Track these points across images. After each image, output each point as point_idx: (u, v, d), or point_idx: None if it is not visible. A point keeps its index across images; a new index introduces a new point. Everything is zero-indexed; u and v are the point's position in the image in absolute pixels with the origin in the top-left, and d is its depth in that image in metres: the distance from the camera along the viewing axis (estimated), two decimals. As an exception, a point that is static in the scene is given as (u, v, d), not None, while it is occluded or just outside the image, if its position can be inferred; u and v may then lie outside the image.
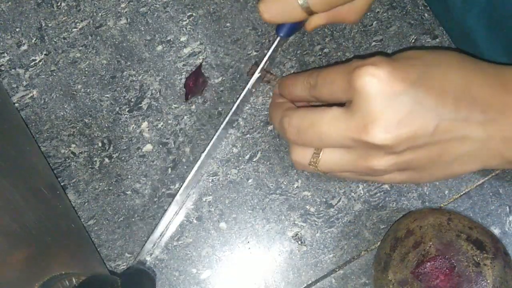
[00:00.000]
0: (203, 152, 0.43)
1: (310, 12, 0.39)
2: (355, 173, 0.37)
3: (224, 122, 0.43)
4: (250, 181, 0.46)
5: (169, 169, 0.46)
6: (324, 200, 0.46)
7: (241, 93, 0.43)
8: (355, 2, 0.40)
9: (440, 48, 0.41)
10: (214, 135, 0.43)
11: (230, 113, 0.43)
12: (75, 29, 0.47)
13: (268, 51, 0.42)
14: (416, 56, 0.35)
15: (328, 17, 0.41)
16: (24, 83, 0.46)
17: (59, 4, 0.47)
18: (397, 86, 0.32)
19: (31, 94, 0.46)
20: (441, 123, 0.33)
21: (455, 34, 0.45)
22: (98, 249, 0.45)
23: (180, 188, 0.43)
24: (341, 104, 0.35)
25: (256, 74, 0.43)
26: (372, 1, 0.41)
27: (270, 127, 0.46)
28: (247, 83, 0.43)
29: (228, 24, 0.47)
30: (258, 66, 0.44)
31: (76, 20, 0.47)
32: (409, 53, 0.35)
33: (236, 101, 0.43)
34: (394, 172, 0.36)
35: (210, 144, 0.43)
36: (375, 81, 0.32)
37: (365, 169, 0.35)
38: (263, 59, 0.43)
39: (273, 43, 0.42)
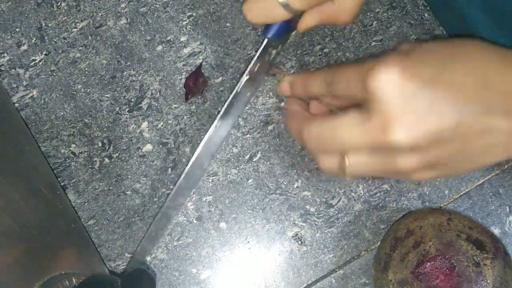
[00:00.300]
0: (194, 153, 0.43)
1: (292, 11, 0.38)
2: (385, 173, 0.37)
3: (214, 124, 0.42)
4: (250, 181, 0.46)
5: (169, 169, 0.46)
6: (324, 200, 0.46)
7: (231, 94, 0.42)
8: (345, 2, 0.39)
9: (457, 39, 0.41)
10: (204, 135, 0.43)
11: (219, 115, 0.42)
12: (75, 29, 0.47)
13: (256, 53, 0.42)
14: (431, 50, 0.34)
15: (319, 18, 0.41)
16: (24, 83, 0.46)
17: (59, 4, 0.47)
18: (411, 85, 0.31)
19: (31, 94, 0.46)
20: (463, 117, 0.32)
21: (456, 31, 0.45)
22: (98, 249, 0.45)
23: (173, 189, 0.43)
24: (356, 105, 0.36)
25: (245, 76, 0.42)
26: (363, 2, 0.41)
27: (270, 127, 0.46)
28: (240, 83, 0.43)
29: (228, 24, 0.47)
30: (255, 67, 0.44)
31: (76, 20, 0.47)
32: (424, 46, 0.34)
33: (226, 100, 0.42)
34: (423, 169, 0.35)
35: (201, 145, 0.42)
36: (389, 83, 0.31)
37: (393, 169, 0.35)
38: (251, 61, 0.42)
39: (261, 45, 0.42)
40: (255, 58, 0.42)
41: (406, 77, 0.32)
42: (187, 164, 0.42)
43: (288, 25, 0.41)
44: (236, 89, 0.42)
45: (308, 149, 0.38)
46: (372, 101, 0.32)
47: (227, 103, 0.42)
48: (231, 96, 0.42)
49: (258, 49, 0.41)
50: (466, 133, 0.33)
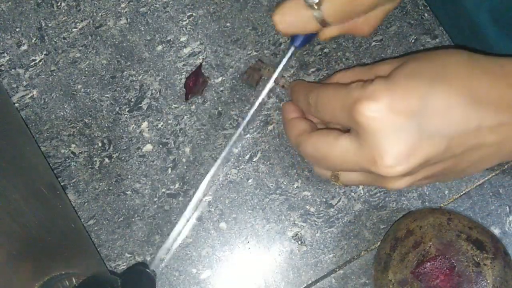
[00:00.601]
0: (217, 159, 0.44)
1: (324, 24, 0.39)
2: (377, 186, 0.39)
3: (235, 136, 0.43)
4: (250, 181, 0.46)
5: (169, 169, 0.46)
6: (324, 200, 0.46)
7: (253, 105, 0.43)
8: (370, 14, 0.40)
9: (443, 49, 0.41)
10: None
11: (243, 125, 0.43)
12: (75, 29, 0.47)
13: (282, 61, 0.43)
14: (417, 72, 0.33)
15: (342, 29, 0.41)
16: (24, 83, 0.46)
17: (59, 4, 0.47)
18: (400, 119, 0.32)
19: (31, 94, 0.46)
20: (452, 140, 0.32)
21: (464, 32, 0.45)
22: (98, 249, 0.45)
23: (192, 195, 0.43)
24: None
25: (271, 83, 0.43)
26: (386, 15, 0.41)
27: (270, 127, 0.46)
28: (256, 91, 0.44)
29: (228, 24, 0.47)
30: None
31: (76, 20, 0.47)
32: (410, 67, 0.34)
33: (247, 113, 0.43)
34: (413, 185, 0.37)
35: (224, 153, 0.43)
36: (376, 118, 0.32)
37: (384, 187, 0.36)
38: (274, 69, 0.43)
39: (287, 53, 0.42)
40: (281, 65, 0.43)
41: (394, 111, 0.31)
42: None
43: (313, 35, 0.41)
44: (262, 97, 0.43)
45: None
46: (362, 133, 0.33)
47: (252, 111, 0.43)
48: (257, 104, 0.43)
49: (284, 57, 0.42)
50: (456, 153, 0.33)
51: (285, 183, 0.46)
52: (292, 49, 0.42)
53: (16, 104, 0.46)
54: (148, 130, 0.46)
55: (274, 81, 0.43)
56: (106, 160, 0.46)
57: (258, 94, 0.43)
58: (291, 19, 0.39)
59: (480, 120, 0.32)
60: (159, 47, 0.47)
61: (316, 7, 0.37)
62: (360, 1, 0.38)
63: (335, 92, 0.35)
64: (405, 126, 0.32)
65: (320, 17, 0.38)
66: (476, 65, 0.34)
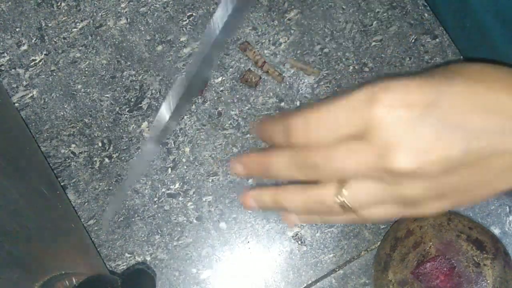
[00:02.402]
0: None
1: None
2: (390, 205, 0.33)
3: None
4: (250, 181, 0.46)
5: (169, 169, 0.46)
6: (324, 200, 0.46)
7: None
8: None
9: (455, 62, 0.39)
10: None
11: None
12: (75, 29, 0.47)
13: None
14: (431, 74, 0.31)
15: None
16: (24, 83, 0.46)
17: (59, 4, 0.47)
18: (416, 111, 0.29)
19: (31, 94, 0.46)
20: (473, 141, 0.30)
21: (469, 33, 0.44)
22: (98, 249, 0.45)
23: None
24: None
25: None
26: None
27: (270, 127, 0.46)
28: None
29: (228, 24, 0.47)
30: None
31: (76, 20, 0.47)
32: (423, 74, 0.32)
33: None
34: (433, 199, 0.33)
35: None
36: (393, 109, 0.29)
37: (398, 198, 0.32)
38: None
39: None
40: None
41: (410, 103, 0.29)
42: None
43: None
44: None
45: (290, 177, 0.34)
46: (374, 130, 0.30)
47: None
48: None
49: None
50: (477, 158, 0.31)
51: (285, 183, 0.46)
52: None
53: (16, 104, 0.46)
54: (148, 130, 0.46)
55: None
56: (106, 160, 0.46)
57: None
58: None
59: (503, 122, 0.30)
60: (159, 47, 0.47)
61: None
62: None
63: (333, 105, 0.31)
64: (421, 118, 0.29)
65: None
66: (494, 72, 0.32)
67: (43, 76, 0.46)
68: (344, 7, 0.47)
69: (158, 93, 0.47)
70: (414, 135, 0.30)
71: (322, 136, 0.31)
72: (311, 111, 0.32)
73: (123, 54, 0.47)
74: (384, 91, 0.30)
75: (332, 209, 0.33)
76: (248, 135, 0.46)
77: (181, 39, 0.47)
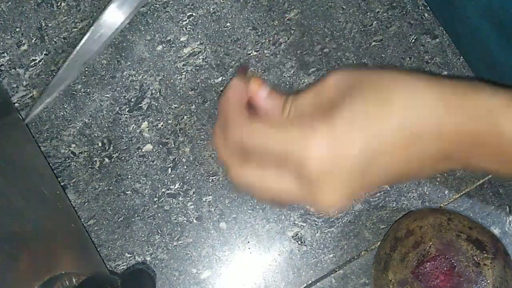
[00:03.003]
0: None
1: None
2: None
3: None
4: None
5: (169, 169, 0.46)
6: (324, 200, 0.46)
7: None
8: None
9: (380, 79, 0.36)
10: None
11: None
12: (75, 29, 0.47)
13: None
14: (358, 106, 0.30)
15: None
16: (24, 83, 0.46)
17: (59, 4, 0.47)
18: (343, 170, 0.29)
19: (31, 94, 0.46)
20: (393, 178, 0.31)
21: (467, 41, 0.44)
22: (98, 249, 0.45)
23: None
24: None
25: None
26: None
27: (270, 127, 0.46)
28: None
29: (228, 24, 0.47)
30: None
31: (76, 20, 0.47)
32: (352, 102, 0.30)
33: None
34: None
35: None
36: (322, 167, 0.29)
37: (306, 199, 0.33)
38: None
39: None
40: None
41: (336, 160, 0.29)
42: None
43: None
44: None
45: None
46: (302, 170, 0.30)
47: None
48: None
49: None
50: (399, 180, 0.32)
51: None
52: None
53: (16, 104, 0.46)
54: (148, 130, 0.46)
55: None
56: (106, 160, 0.46)
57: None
58: None
59: (423, 153, 0.30)
60: (159, 47, 0.47)
61: None
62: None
63: (279, 128, 0.31)
64: (349, 170, 0.29)
65: None
66: (421, 91, 0.30)
67: (43, 76, 0.46)
68: (344, 7, 0.47)
69: (158, 93, 0.47)
70: (344, 188, 0.30)
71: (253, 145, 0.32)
72: (263, 121, 0.32)
73: (123, 54, 0.47)
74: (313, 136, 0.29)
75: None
76: (248, 135, 0.46)
77: (181, 39, 0.47)
